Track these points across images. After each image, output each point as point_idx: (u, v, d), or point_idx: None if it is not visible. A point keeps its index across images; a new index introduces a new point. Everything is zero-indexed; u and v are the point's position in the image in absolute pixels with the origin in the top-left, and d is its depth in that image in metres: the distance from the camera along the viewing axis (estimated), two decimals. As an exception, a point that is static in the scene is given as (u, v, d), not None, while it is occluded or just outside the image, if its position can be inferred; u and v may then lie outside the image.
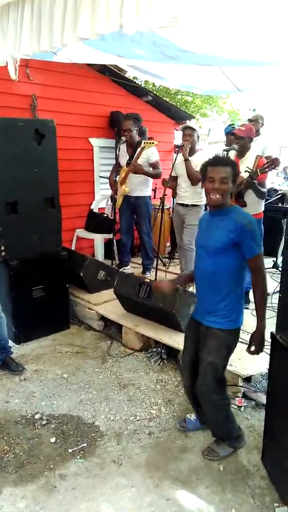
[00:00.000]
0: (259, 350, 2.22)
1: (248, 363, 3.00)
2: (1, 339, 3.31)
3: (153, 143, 4.51)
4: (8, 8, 2.57)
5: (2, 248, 3.56)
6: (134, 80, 6.25)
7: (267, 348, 3.10)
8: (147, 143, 4.53)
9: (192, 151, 4.29)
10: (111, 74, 5.44)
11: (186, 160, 4.19)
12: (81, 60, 3.99)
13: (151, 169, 4.66)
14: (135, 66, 4.06)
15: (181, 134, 4.44)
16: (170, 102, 7.89)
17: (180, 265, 4.82)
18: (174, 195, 5.61)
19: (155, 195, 5.70)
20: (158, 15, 1.84)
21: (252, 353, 2.23)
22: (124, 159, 4.73)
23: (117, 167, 4.92)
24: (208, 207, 2.39)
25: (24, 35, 2.49)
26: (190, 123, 6.39)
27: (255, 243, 2.15)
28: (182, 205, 4.47)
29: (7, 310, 3.49)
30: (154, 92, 7.52)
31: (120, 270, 4.78)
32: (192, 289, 3.93)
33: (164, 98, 7.96)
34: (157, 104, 6.33)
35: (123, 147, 4.76)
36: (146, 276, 4.79)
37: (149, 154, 4.60)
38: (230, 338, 2.29)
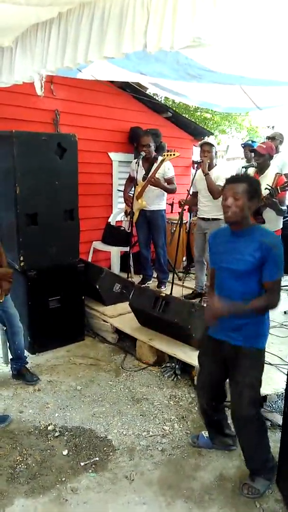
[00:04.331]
0: (216, 314, 2.08)
1: (263, 383, 2.94)
2: (18, 349, 3.34)
3: (174, 154, 4.54)
4: (36, 27, 2.66)
5: (21, 258, 3.62)
6: (154, 97, 6.35)
7: (284, 368, 3.06)
8: (167, 155, 4.57)
9: (210, 166, 4.32)
10: (132, 91, 5.54)
11: (206, 174, 4.22)
12: (104, 77, 4.10)
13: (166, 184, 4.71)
14: (156, 83, 4.14)
15: (199, 150, 4.48)
16: (189, 118, 7.97)
17: (196, 280, 4.80)
18: (191, 211, 5.63)
19: (172, 209, 5.74)
20: (181, 36, 1.87)
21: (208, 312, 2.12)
22: (140, 174, 4.78)
23: (130, 183, 4.97)
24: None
25: (50, 53, 2.57)
26: (209, 139, 6.44)
27: (277, 267, 2.04)
28: (203, 219, 4.48)
29: (23, 320, 3.52)
30: (174, 108, 7.60)
31: (144, 285, 4.78)
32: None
33: (184, 115, 8.05)
34: (177, 120, 6.41)
35: (139, 162, 4.81)
36: (162, 290, 4.79)
37: (165, 169, 4.67)
38: (262, 356, 2.21)
